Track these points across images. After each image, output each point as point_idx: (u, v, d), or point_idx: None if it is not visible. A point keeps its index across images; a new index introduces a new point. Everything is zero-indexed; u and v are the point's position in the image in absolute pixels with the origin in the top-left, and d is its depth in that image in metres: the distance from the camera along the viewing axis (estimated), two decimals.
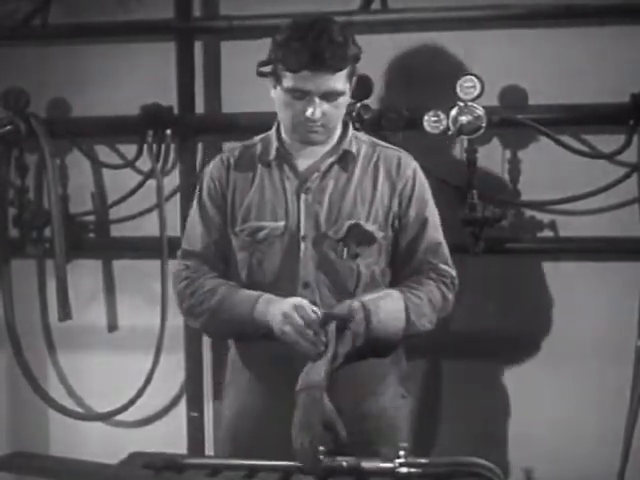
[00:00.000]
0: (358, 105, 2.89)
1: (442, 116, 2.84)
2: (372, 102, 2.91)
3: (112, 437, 3.41)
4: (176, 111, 3.21)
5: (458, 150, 2.92)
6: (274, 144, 2.31)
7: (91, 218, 3.42)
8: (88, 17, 3.26)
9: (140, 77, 3.24)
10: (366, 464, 1.90)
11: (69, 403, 3.47)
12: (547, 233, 3.01)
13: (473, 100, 2.80)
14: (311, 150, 2.28)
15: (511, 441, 3.06)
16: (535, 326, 3.03)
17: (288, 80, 2.16)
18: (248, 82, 3.06)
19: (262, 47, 3.14)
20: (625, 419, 2.84)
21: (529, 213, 3.02)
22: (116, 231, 3.41)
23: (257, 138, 2.39)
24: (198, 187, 2.39)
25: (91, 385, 3.44)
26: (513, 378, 3.07)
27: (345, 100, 2.22)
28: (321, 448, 1.91)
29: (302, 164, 2.30)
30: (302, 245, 2.25)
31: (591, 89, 2.88)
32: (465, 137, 2.85)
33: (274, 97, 2.24)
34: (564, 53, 2.91)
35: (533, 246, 3.03)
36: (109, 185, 3.39)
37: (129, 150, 3.30)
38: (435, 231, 2.33)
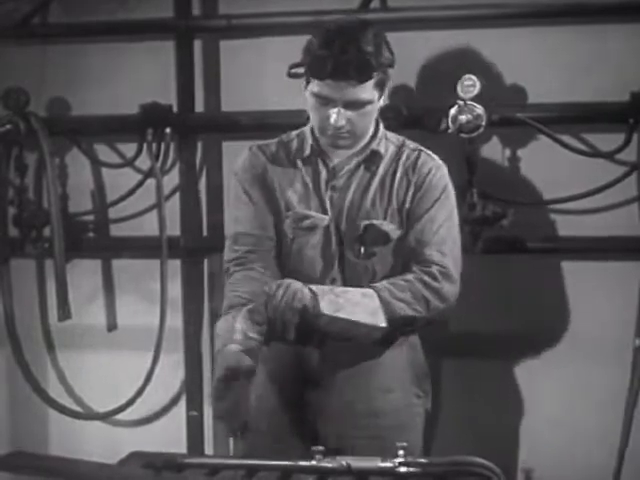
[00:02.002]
0: None
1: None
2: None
3: (112, 437, 3.40)
4: (175, 110, 3.21)
5: (458, 149, 2.91)
6: (309, 141, 2.33)
7: (91, 217, 3.42)
8: (87, 16, 3.26)
9: (139, 76, 3.24)
10: (365, 463, 1.89)
11: (69, 403, 3.47)
12: (547, 232, 3.01)
13: (473, 99, 2.80)
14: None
15: (511, 441, 3.06)
16: (535, 326, 3.02)
17: (314, 85, 2.17)
18: (247, 80, 3.08)
19: (261, 45, 3.16)
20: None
21: (529, 212, 3.01)
22: (116, 231, 3.41)
23: (293, 133, 2.40)
24: (236, 180, 2.39)
25: (91, 385, 3.44)
26: (513, 377, 3.06)
27: (374, 107, 2.22)
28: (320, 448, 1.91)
29: (334, 161, 2.32)
30: (337, 240, 2.29)
31: (591, 88, 2.88)
32: (465, 136, 2.85)
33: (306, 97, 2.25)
34: (564, 52, 2.91)
35: (533, 245, 3.03)
36: (109, 184, 3.38)
37: (129, 149, 3.30)
38: (434, 228, 2.28)
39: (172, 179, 3.26)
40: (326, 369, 2.29)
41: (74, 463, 2.50)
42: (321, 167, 2.32)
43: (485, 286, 3.02)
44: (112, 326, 3.45)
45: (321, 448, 1.91)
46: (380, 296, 2.17)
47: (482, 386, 3.08)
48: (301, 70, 2.22)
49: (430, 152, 2.36)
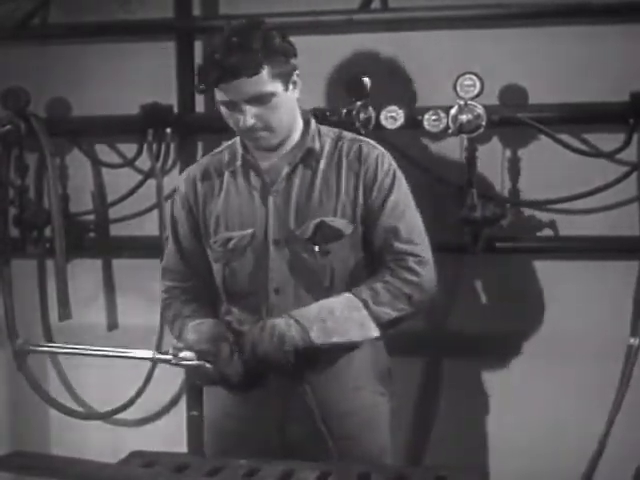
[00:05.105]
0: (357, 104, 2.89)
1: (442, 115, 2.84)
2: (371, 101, 2.90)
3: (112, 436, 3.41)
4: (176, 110, 3.21)
5: (458, 149, 2.91)
6: (239, 150, 2.31)
7: (91, 217, 3.42)
8: (88, 17, 3.26)
9: (140, 76, 3.24)
10: None
11: (69, 402, 3.47)
12: (547, 232, 3.01)
13: (473, 99, 2.80)
14: (273, 152, 2.27)
15: (511, 441, 3.06)
16: (535, 325, 3.02)
17: (217, 94, 2.16)
18: None
19: None
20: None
21: (529, 212, 3.01)
22: (116, 230, 3.41)
23: (224, 145, 2.39)
24: (171, 204, 2.43)
25: (91, 384, 3.44)
26: (512, 377, 3.06)
27: (282, 99, 2.17)
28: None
29: (266, 167, 2.28)
30: (273, 250, 2.24)
31: (591, 88, 2.88)
32: (465, 136, 2.85)
33: None
34: (564, 52, 2.91)
35: (533, 245, 3.03)
36: (109, 184, 3.39)
37: (129, 149, 3.30)
38: (397, 215, 2.24)
39: (172, 179, 3.26)
40: (297, 370, 2.21)
41: (74, 463, 2.50)
42: (253, 175, 2.28)
43: (484, 286, 3.03)
44: (112, 326, 3.45)
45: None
46: (366, 305, 2.14)
47: (482, 386, 3.08)
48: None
49: (370, 140, 2.32)
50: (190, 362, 2.15)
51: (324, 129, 2.34)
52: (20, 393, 3.50)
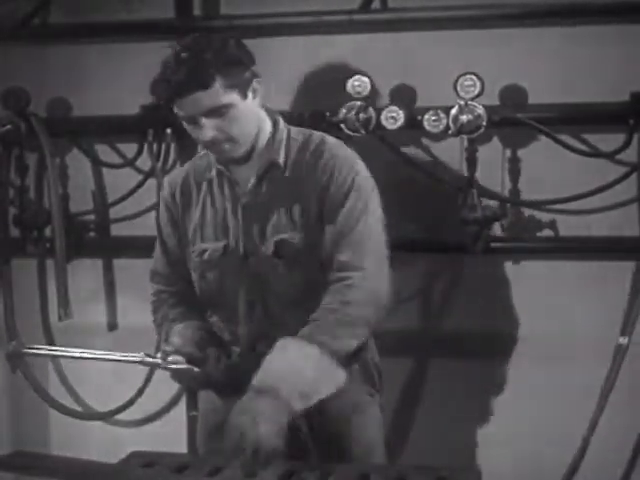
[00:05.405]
0: (357, 105, 2.89)
1: (442, 115, 2.84)
2: (371, 101, 2.91)
3: (112, 436, 3.41)
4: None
5: (458, 149, 2.91)
6: (213, 160, 2.27)
7: (91, 217, 3.43)
8: (88, 17, 3.26)
9: (140, 76, 3.22)
10: None
11: (69, 402, 3.48)
12: (547, 233, 3.01)
13: (473, 99, 2.80)
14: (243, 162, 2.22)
15: (511, 440, 3.06)
16: (535, 325, 3.02)
17: (175, 110, 2.13)
18: None
19: (261, 45, 3.15)
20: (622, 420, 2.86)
21: (529, 213, 3.01)
22: (116, 230, 3.41)
23: (202, 153, 2.36)
24: (157, 209, 2.42)
25: (91, 384, 3.44)
26: (512, 377, 3.06)
27: (241, 110, 2.11)
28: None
29: (237, 177, 2.24)
30: (245, 263, 2.21)
31: (591, 88, 2.88)
32: (465, 136, 2.85)
33: None
34: (564, 52, 2.90)
35: (533, 246, 3.03)
36: (109, 184, 3.39)
37: (129, 149, 3.30)
38: (348, 226, 2.13)
39: None
40: None
41: (74, 463, 2.50)
42: (226, 186, 2.25)
43: (484, 285, 3.03)
44: (113, 326, 3.45)
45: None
46: (327, 349, 1.98)
47: (481, 385, 3.08)
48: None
49: (337, 145, 2.22)
50: (178, 366, 2.15)
51: (294, 132, 2.27)
52: (20, 393, 3.50)
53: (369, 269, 2.11)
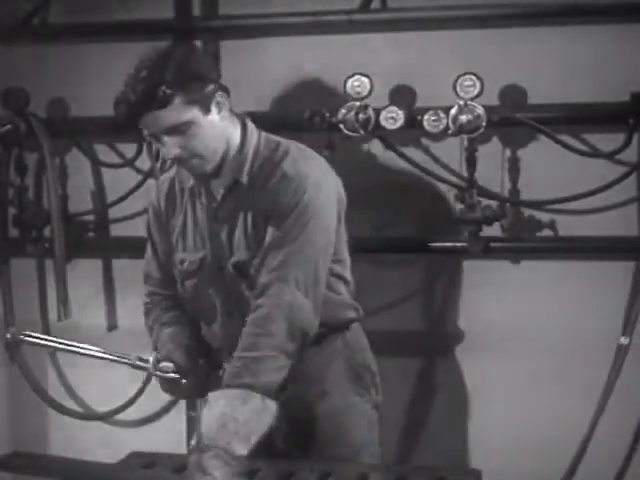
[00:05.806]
0: (357, 105, 2.89)
1: (442, 115, 2.84)
2: (371, 101, 2.90)
3: (112, 437, 3.41)
4: None
5: (458, 149, 2.91)
6: None
7: (91, 217, 3.42)
8: (88, 17, 3.26)
9: None
10: None
11: (69, 403, 3.48)
12: (547, 233, 3.01)
13: (473, 99, 2.80)
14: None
15: (511, 440, 3.06)
16: (535, 325, 3.02)
17: (140, 127, 2.11)
18: (246, 81, 3.08)
19: (261, 45, 3.16)
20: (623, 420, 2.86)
21: (529, 213, 3.01)
22: (116, 230, 3.41)
23: None
24: (147, 214, 2.42)
25: (91, 385, 3.44)
26: (510, 377, 3.06)
27: (203, 126, 2.08)
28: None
29: (214, 188, 2.22)
30: (219, 275, 2.21)
31: (591, 88, 2.88)
32: (465, 136, 2.85)
33: None
34: (564, 52, 2.90)
35: (533, 246, 3.03)
36: (109, 184, 3.39)
37: (129, 149, 3.30)
38: (281, 244, 2.07)
39: None
40: None
41: (74, 463, 2.50)
42: (203, 197, 2.23)
43: (484, 285, 3.03)
44: (112, 326, 3.45)
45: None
46: (253, 389, 1.94)
47: (481, 385, 3.08)
48: None
49: (300, 156, 2.16)
50: (166, 374, 2.16)
51: (263, 140, 2.21)
52: (20, 393, 3.50)
53: (288, 298, 2.04)
